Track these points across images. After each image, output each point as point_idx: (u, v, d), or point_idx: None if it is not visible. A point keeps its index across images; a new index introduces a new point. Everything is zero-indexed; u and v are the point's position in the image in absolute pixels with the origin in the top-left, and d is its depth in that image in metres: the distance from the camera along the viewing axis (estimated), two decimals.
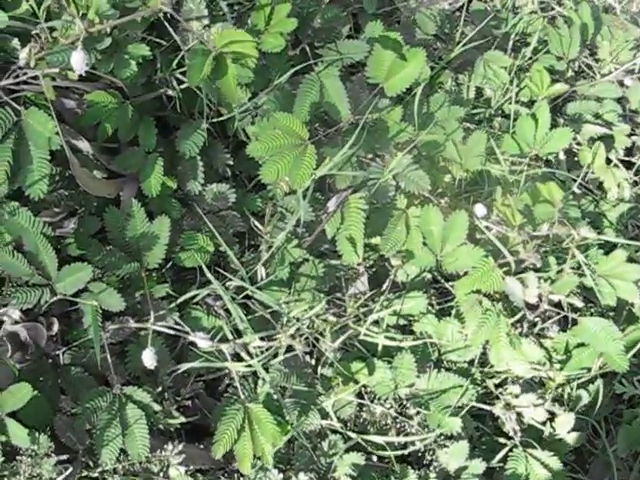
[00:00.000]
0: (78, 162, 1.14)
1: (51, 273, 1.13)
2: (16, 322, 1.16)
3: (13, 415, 1.09)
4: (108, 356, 1.18)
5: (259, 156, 1.28)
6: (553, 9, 1.64)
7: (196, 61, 1.08)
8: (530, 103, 1.57)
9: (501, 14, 1.58)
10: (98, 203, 1.24)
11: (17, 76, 1.15)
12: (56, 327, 1.18)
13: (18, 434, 1.08)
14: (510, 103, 1.53)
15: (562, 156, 1.51)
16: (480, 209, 1.36)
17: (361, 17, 1.50)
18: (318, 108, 1.29)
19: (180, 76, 1.25)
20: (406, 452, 1.28)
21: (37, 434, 1.09)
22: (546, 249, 1.40)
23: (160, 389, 1.25)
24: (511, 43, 1.53)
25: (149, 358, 1.12)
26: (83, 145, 1.18)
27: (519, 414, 1.41)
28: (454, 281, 1.40)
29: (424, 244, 1.35)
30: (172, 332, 1.19)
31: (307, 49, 1.32)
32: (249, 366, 1.21)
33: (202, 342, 1.17)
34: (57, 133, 1.09)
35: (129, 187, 1.25)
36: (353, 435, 1.27)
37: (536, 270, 1.38)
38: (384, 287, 1.36)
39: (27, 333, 1.15)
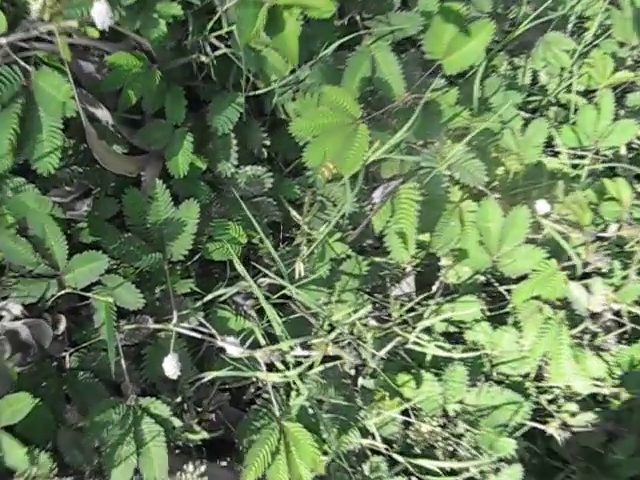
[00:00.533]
0: (96, 133, 0.95)
1: (59, 262, 0.94)
2: (17, 318, 0.97)
3: (10, 429, 0.90)
4: (122, 361, 0.99)
5: (301, 136, 1.10)
6: None
7: (247, 12, 0.89)
8: (586, 92, 1.40)
9: None
10: (116, 183, 1.05)
11: (27, 30, 0.96)
12: (63, 325, 0.99)
13: (15, 453, 0.89)
14: (568, 91, 1.36)
15: (623, 151, 1.34)
16: (542, 205, 1.18)
17: None
18: (368, 85, 1.11)
19: (215, 41, 1.06)
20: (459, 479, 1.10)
21: (37, 452, 0.90)
22: (609, 252, 1.23)
23: (180, 399, 1.07)
24: (570, 26, 1.36)
25: (171, 366, 0.93)
26: (102, 114, 0.99)
27: (575, 434, 1.24)
28: (508, 285, 1.23)
29: (479, 242, 1.17)
30: (197, 335, 1.00)
31: (357, 19, 1.14)
32: (284, 376, 1.03)
33: (232, 348, 0.98)
34: (73, 97, 0.90)
35: (152, 165, 1.06)
36: (399, 458, 1.08)
37: (599, 275, 1.21)
38: (434, 289, 1.19)
39: (29, 331, 0.96)
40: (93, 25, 0.94)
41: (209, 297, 1.04)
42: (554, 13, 1.38)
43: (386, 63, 1.10)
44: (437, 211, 1.17)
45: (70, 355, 1.02)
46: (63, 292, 0.95)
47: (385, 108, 1.08)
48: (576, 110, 1.33)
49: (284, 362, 1.07)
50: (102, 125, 1.00)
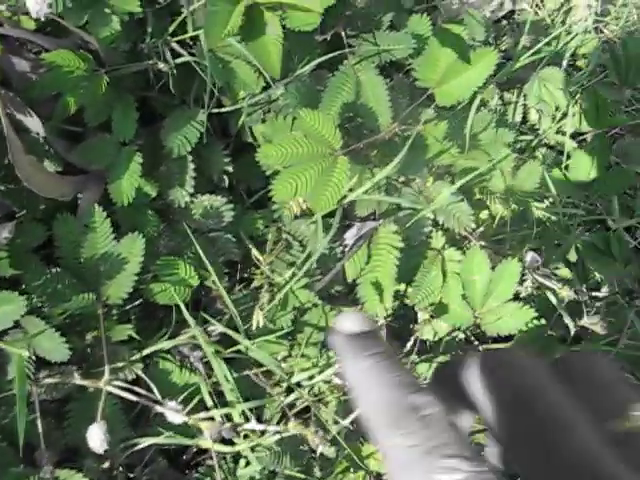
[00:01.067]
0: (22, 146, 0.76)
1: None
2: None
3: None
4: (39, 422, 0.80)
5: (270, 165, 0.94)
6: (605, 30, 1.36)
7: (219, 7, 0.72)
8: (575, 135, 1.27)
9: (552, 29, 1.28)
10: (47, 206, 0.86)
11: None
12: None
13: None
14: (557, 132, 1.23)
15: (615, 203, 1.21)
16: (532, 257, 1.05)
17: (396, 14, 1.16)
18: (350, 111, 0.95)
19: (177, 47, 0.89)
20: None
21: None
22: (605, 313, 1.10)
23: (108, 465, 0.88)
24: (565, 63, 1.23)
25: (98, 438, 0.74)
26: (32, 123, 0.80)
27: None
28: (489, 344, 1.08)
29: (462, 296, 1.02)
30: (132, 397, 0.82)
31: (343, 34, 0.98)
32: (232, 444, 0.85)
33: (174, 416, 0.80)
34: None
35: (91, 188, 0.87)
36: None
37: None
38: (408, 346, 1.03)
39: None
40: (28, 14, 0.76)
41: (149, 350, 0.86)
42: (547, 48, 1.25)
43: (372, 87, 0.95)
44: (417, 259, 1.01)
45: None
46: None
47: (367, 140, 0.92)
48: (568, 154, 1.20)
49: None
50: (32, 137, 0.81)
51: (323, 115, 0.87)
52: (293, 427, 0.78)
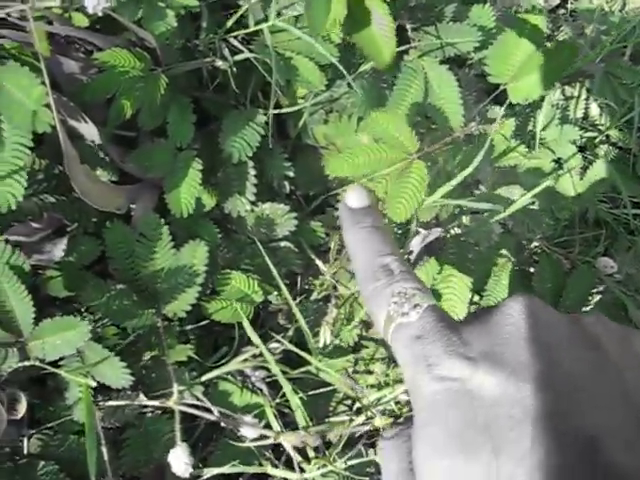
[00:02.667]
0: (77, 155, 0.68)
1: (23, 328, 0.67)
2: None
3: None
4: (104, 451, 0.73)
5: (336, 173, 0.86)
6: None
7: None
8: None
9: (611, 17, 1.19)
10: (98, 218, 0.78)
11: None
12: (23, 407, 0.71)
13: None
14: (622, 129, 1.14)
15: None
16: (605, 263, 0.96)
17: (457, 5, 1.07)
18: (419, 110, 0.87)
19: (236, 42, 0.80)
20: None
21: None
22: None
23: None
24: (628, 53, 1.14)
25: (182, 462, 0.66)
26: (87, 129, 0.72)
27: None
28: None
29: None
30: (207, 415, 0.74)
31: (408, 28, 0.89)
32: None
33: (249, 430, 0.73)
34: (48, 105, 0.64)
35: (145, 198, 0.79)
36: None
37: None
38: None
39: None
40: (81, 10, 0.68)
41: (214, 374, 0.78)
42: (606, 38, 1.16)
43: (442, 84, 0.86)
44: (486, 265, 0.93)
45: (29, 438, 0.75)
46: (26, 364, 0.68)
47: (442, 141, 0.84)
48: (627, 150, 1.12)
49: (299, 450, 0.82)
50: (86, 145, 0.73)
51: (396, 116, 0.78)
52: (380, 422, 0.72)
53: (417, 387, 0.37)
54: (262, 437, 0.76)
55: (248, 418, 0.74)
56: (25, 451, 0.74)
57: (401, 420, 0.85)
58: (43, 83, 0.64)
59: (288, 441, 0.74)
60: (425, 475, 0.35)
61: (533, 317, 0.38)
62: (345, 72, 0.77)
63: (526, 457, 0.32)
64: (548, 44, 0.86)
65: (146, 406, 0.80)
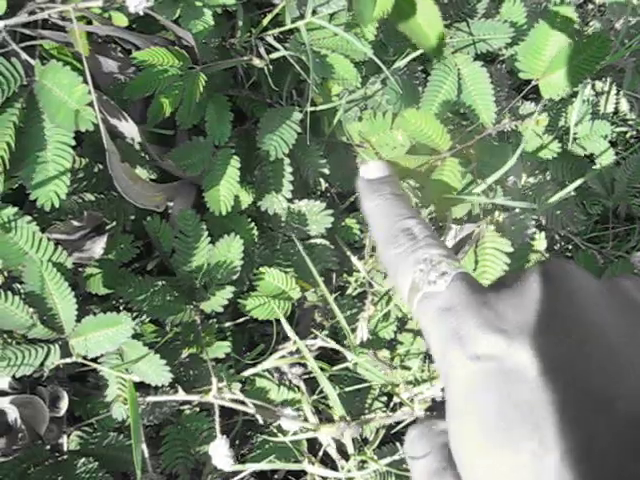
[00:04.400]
0: (119, 153, 0.67)
1: (65, 324, 0.66)
2: (3, 393, 0.69)
3: None
4: (144, 448, 0.72)
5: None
6: None
7: None
8: None
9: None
10: (136, 216, 0.77)
11: (33, 13, 0.68)
12: (65, 404, 0.71)
13: None
14: None
15: None
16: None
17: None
18: (451, 107, 0.85)
19: (272, 40, 0.79)
20: None
21: None
22: None
23: None
24: None
25: (224, 455, 0.65)
26: (127, 128, 0.71)
27: None
28: None
29: None
30: (246, 409, 0.73)
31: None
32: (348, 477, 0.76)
33: (290, 423, 0.71)
34: (90, 104, 0.63)
35: (183, 196, 0.78)
36: None
37: None
38: None
39: (18, 412, 0.68)
40: (121, 10, 0.67)
41: (253, 371, 0.77)
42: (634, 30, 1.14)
43: (475, 81, 0.84)
44: (520, 262, 0.91)
45: (69, 435, 0.75)
46: (68, 361, 0.67)
47: (476, 138, 0.82)
48: None
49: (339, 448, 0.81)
50: (126, 143, 0.72)
51: (429, 114, 0.77)
52: (420, 408, 0.70)
53: (449, 366, 0.33)
54: (301, 430, 0.75)
55: (288, 410, 0.72)
56: (65, 448, 0.74)
57: (428, 410, 0.84)
58: (85, 82, 0.63)
59: (328, 432, 0.73)
60: (468, 471, 0.32)
61: (567, 282, 0.34)
62: (384, 67, 0.75)
63: (569, 442, 0.29)
64: (581, 38, 0.84)
65: (184, 403, 0.79)
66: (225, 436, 0.67)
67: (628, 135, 1.10)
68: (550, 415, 0.30)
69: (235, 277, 0.75)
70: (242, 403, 0.74)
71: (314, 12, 0.78)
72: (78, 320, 0.66)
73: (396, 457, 0.81)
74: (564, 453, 0.29)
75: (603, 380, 0.31)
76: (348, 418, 0.77)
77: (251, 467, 0.75)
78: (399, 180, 0.46)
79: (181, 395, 0.73)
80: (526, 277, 0.36)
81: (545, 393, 0.30)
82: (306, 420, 0.80)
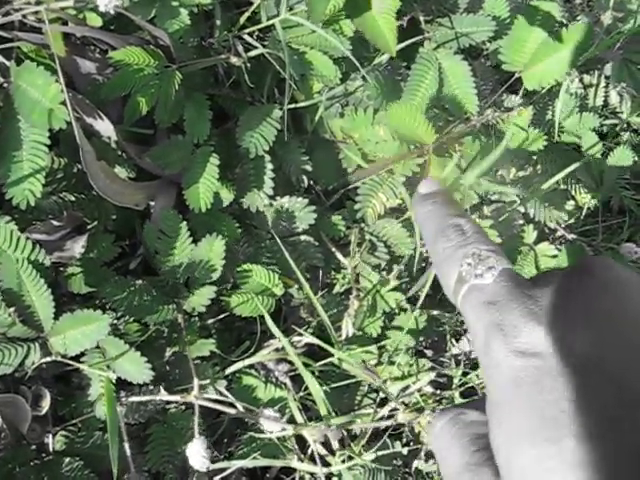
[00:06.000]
0: (94, 151, 0.67)
1: (43, 322, 0.65)
2: None
3: None
4: (127, 447, 0.71)
5: (350, 162, 0.84)
6: None
7: None
8: None
9: (629, 4, 1.15)
10: (117, 216, 0.76)
11: (8, 14, 0.68)
12: (47, 403, 0.70)
13: None
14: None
15: None
16: (629, 249, 0.92)
17: None
18: (433, 101, 0.84)
19: (250, 39, 0.78)
20: None
21: None
22: None
23: None
24: None
25: (199, 455, 0.64)
26: (103, 126, 0.70)
27: None
28: None
29: None
30: (227, 409, 0.72)
31: (421, 19, 0.87)
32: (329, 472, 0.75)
33: (271, 424, 0.70)
34: (64, 103, 0.62)
35: (164, 195, 0.77)
36: None
37: None
38: None
39: (1, 412, 0.67)
40: (95, 10, 0.66)
41: (235, 367, 0.76)
42: (623, 26, 1.12)
43: (457, 74, 0.83)
44: (510, 255, 0.90)
45: (54, 435, 0.74)
46: (48, 360, 0.67)
47: (461, 131, 0.80)
48: None
49: (324, 443, 0.79)
50: (102, 142, 0.71)
51: (412, 108, 0.75)
52: (404, 417, 0.68)
53: (492, 359, 0.33)
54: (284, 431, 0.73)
55: (269, 412, 0.71)
56: (50, 448, 0.73)
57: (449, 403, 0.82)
58: (58, 81, 0.62)
59: (310, 435, 0.71)
60: (512, 462, 0.31)
61: (610, 276, 0.34)
62: (358, 65, 0.74)
63: (612, 436, 0.29)
64: (563, 29, 0.82)
65: (170, 402, 0.78)
66: (203, 437, 0.66)
67: (618, 128, 1.08)
68: (593, 412, 0.29)
69: (217, 276, 0.74)
70: (224, 404, 0.73)
71: (291, 9, 0.77)
72: (56, 318, 0.65)
73: (384, 452, 0.80)
74: (607, 448, 0.29)
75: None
76: (332, 417, 0.76)
77: (236, 464, 0.73)
78: (450, 195, 0.46)
79: (162, 395, 0.73)
80: (569, 276, 0.35)
81: (588, 389, 0.30)
82: (292, 418, 0.78)
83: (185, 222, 0.75)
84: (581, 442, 0.29)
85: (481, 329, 0.34)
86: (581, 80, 1.07)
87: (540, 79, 0.85)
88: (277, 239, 0.75)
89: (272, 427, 0.72)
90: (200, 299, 0.74)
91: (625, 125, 1.11)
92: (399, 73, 0.87)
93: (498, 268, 0.36)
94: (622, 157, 0.97)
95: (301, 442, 0.83)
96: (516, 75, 0.86)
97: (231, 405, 0.73)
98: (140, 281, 0.71)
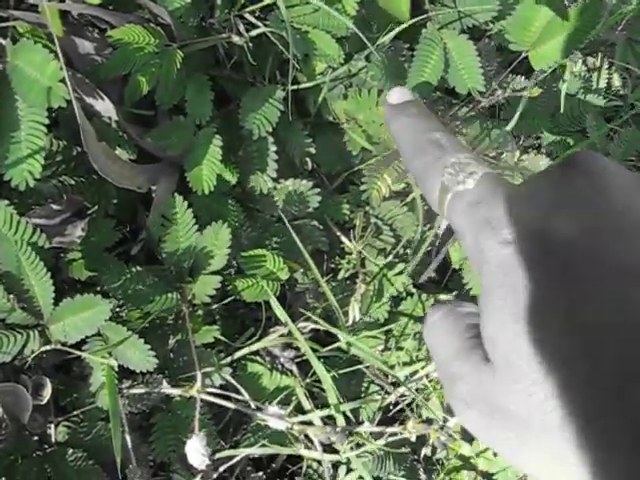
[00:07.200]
0: (94, 132, 0.65)
1: (43, 309, 0.63)
2: None
3: None
4: (127, 436, 0.69)
5: (355, 145, 0.82)
6: None
7: None
8: None
9: None
10: (119, 200, 0.74)
11: None
12: (48, 392, 0.67)
13: None
14: None
15: None
16: None
17: None
18: (439, 81, 0.82)
19: (252, 18, 0.76)
20: None
21: None
22: None
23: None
24: None
25: (198, 453, 0.62)
26: (103, 106, 0.68)
27: None
28: None
29: None
30: (228, 404, 0.70)
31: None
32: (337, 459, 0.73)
33: (276, 422, 0.68)
34: (62, 81, 0.60)
35: (166, 177, 0.75)
36: None
37: None
38: None
39: (1, 401, 0.65)
40: None
41: (240, 353, 0.74)
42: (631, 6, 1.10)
43: (462, 54, 0.81)
44: None
45: (56, 425, 0.72)
46: (48, 348, 0.65)
47: (467, 112, 0.79)
48: None
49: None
50: (103, 122, 0.69)
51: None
52: (413, 427, 0.66)
53: (480, 252, 0.33)
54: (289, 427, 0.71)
55: (274, 409, 0.69)
56: (53, 439, 0.71)
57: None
58: (56, 58, 0.60)
59: (314, 435, 0.69)
60: (501, 341, 0.31)
61: (595, 170, 0.33)
62: (367, 41, 0.72)
63: (605, 311, 0.28)
64: (570, 8, 0.81)
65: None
66: (202, 434, 0.64)
67: (622, 111, 1.06)
68: (582, 291, 0.29)
69: (222, 265, 0.72)
70: (227, 398, 0.70)
71: None
72: (56, 304, 0.63)
73: (394, 438, 0.78)
74: (591, 318, 0.29)
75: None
76: (341, 402, 0.74)
77: (242, 452, 0.72)
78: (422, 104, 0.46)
79: (165, 387, 0.71)
80: (554, 166, 0.35)
81: (570, 268, 0.30)
82: (299, 406, 0.77)
83: (190, 209, 0.73)
84: (566, 314, 0.29)
85: (469, 230, 0.34)
86: (585, 62, 1.06)
87: (548, 58, 0.84)
88: (285, 221, 0.73)
89: (277, 424, 0.70)
90: (205, 288, 0.72)
91: (629, 107, 1.10)
92: (402, 55, 0.85)
93: (480, 173, 0.36)
94: (630, 139, 0.95)
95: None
96: (523, 55, 0.84)
97: (236, 394, 0.71)
98: (139, 268, 0.69)
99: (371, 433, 0.76)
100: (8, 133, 0.61)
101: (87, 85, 0.66)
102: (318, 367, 0.71)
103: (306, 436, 0.79)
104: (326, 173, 0.86)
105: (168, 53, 0.70)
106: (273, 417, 0.68)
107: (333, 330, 0.73)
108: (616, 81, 1.09)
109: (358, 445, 0.76)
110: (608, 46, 1.06)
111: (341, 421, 0.73)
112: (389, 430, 0.70)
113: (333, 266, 0.86)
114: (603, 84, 1.05)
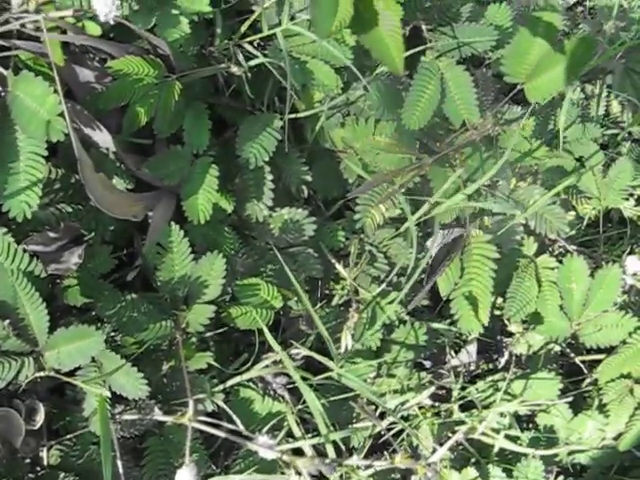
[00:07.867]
0: (92, 163, 0.66)
1: (38, 336, 0.64)
2: None
3: None
4: (119, 463, 0.70)
5: (351, 173, 0.83)
6: None
7: None
8: None
9: (631, 13, 1.14)
10: (115, 227, 0.75)
11: (7, 23, 0.67)
12: (41, 417, 0.69)
13: None
14: None
15: None
16: (634, 263, 0.91)
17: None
18: (435, 111, 0.83)
19: (250, 48, 0.77)
20: None
21: None
22: None
23: None
24: None
25: None
26: (101, 137, 0.69)
27: None
28: (585, 355, 0.95)
29: (559, 307, 0.89)
30: (219, 433, 0.71)
31: (423, 28, 0.86)
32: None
33: (266, 452, 0.69)
34: (61, 114, 0.61)
35: (163, 206, 0.76)
36: None
37: None
38: (501, 362, 0.91)
39: None
40: (94, 19, 0.65)
41: (233, 381, 0.75)
42: (625, 34, 1.11)
43: (459, 85, 0.82)
44: (509, 268, 0.89)
45: (49, 449, 0.73)
46: (42, 374, 0.66)
47: (462, 143, 0.80)
48: None
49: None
50: (101, 153, 0.70)
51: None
52: (401, 461, 0.67)
53: None
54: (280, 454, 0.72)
55: (264, 438, 0.69)
56: (45, 462, 0.72)
57: None
58: (56, 91, 0.61)
59: (304, 467, 0.70)
60: None
61: None
62: (359, 75, 0.73)
63: None
64: (566, 41, 0.81)
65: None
66: (193, 464, 0.65)
67: (619, 137, 1.07)
68: None
69: (217, 295, 0.73)
70: (218, 427, 0.71)
71: (292, 18, 0.76)
72: (51, 332, 0.64)
73: (382, 466, 0.79)
74: None
75: None
76: (331, 431, 0.75)
77: None
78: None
79: (156, 414, 0.72)
80: None
81: None
82: (290, 431, 0.78)
83: (186, 238, 0.73)
84: None
85: None
86: (583, 90, 1.07)
87: (543, 91, 0.84)
88: (276, 251, 0.74)
89: (267, 454, 0.70)
90: (199, 317, 0.73)
91: (627, 135, 1.10)
92: (400, 82, 0.86)
93: None
94: (624, 168, 0.96)
95: (299, 455, 0.82)
96: (518, 87, 0.85)
97: (228, 420, 0.72)
98: (134, 295, 0.70)
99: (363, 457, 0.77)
100: (7, 164, 0.62)
101: (86, 116, 0.68)
102: (308, 397, 0.72)
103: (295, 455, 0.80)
104: (322, 199, 0.87)
105: (167, 84, 0.71)
106: (263, 447, 0.69)
107: (324, 360, 0.74)
108: (615, 107, 1.10)
109: (348, 476, 0.77)
110: (607, 73, 1.06)
111: (331, 450, 0.74)
112: (377, 464, 0.71)
113: (327, 292, 0.87)
114: (602, 111, 1.06)
